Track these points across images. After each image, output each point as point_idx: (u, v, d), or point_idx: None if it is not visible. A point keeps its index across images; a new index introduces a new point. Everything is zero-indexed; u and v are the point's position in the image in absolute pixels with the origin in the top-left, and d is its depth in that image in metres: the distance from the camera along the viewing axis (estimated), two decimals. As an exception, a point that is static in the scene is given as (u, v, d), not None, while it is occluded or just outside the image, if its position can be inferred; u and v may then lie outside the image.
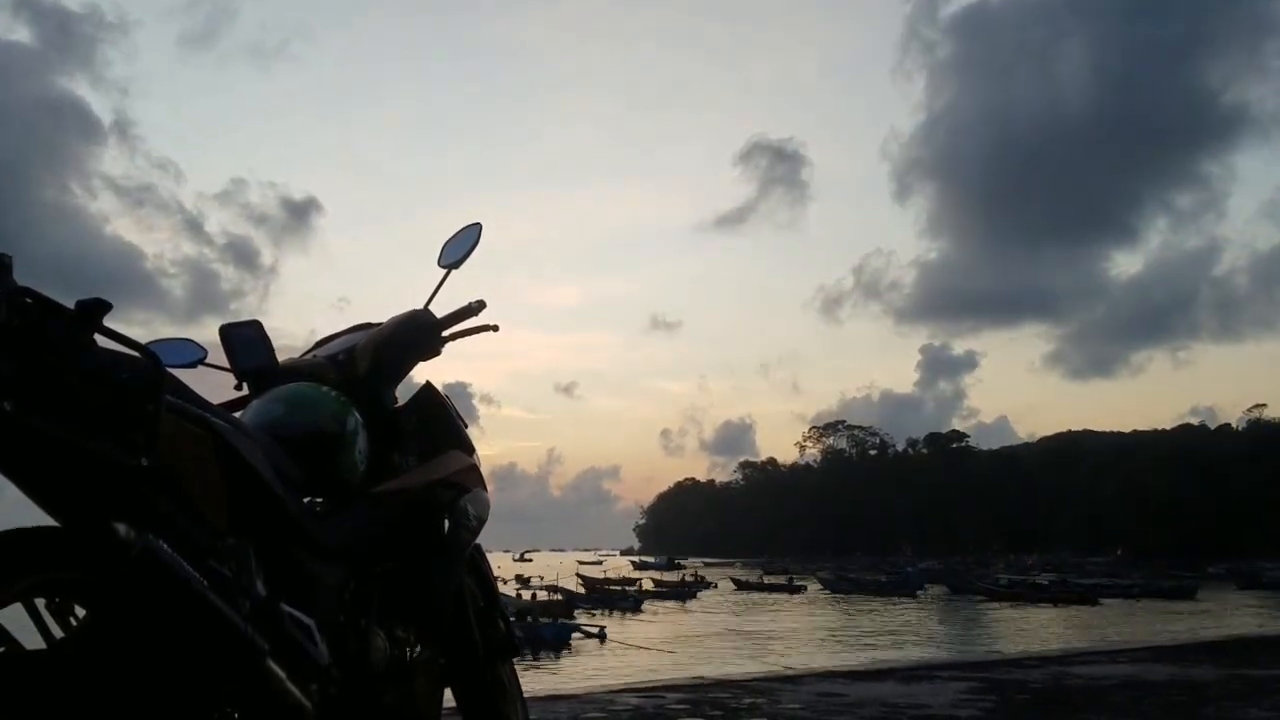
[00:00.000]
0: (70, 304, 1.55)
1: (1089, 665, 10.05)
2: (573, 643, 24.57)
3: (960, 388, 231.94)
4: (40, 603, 1.61)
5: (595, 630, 26.01)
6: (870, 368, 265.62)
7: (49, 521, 1.63)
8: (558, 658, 21.86)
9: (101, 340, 1.59)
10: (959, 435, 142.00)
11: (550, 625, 25.34)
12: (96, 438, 1.52)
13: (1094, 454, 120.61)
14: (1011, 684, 7.96)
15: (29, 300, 1.47)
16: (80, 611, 1.67)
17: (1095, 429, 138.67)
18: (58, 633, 1.64)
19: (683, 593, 48.20)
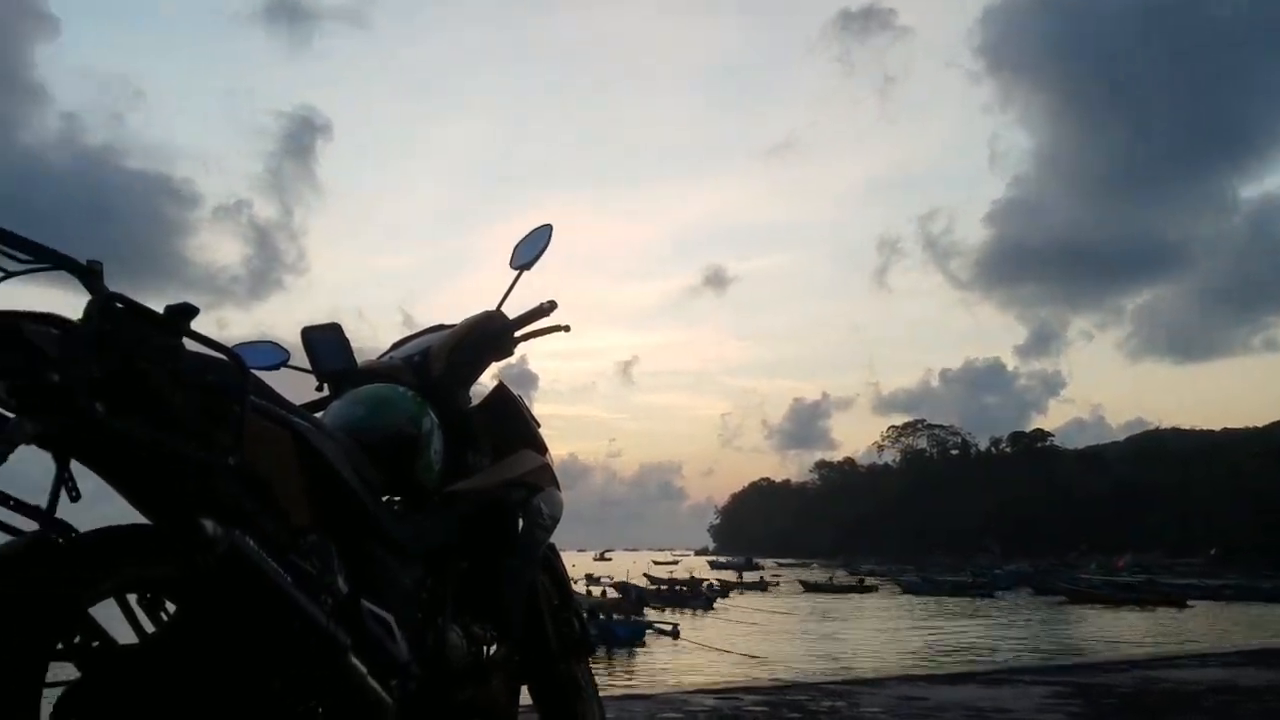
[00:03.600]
0: (159, 309, 1.60)
1: (1178, 669, 9.74)
2: (647, 639, 24.66)
3: (1046, 369, 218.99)
4: (132, 598, 1.67)
5: (669, 628, 26.03)
6: (950, 346, 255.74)
7: (141, 520, 1.69)
8: (631, 656, 21.87)
9: (189, 344, 1.64)
10: (1043, 434, 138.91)
11: (624, 623, 25.41)
12: (185, 438, 1.57)
13: (1182, 451, 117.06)
14: (1097, 688, 7.75)
15: (120, 306, 1.52)
16: (171, 607, 1.72)
17: (1183, 426, 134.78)
18: (149, 628, 1.70)
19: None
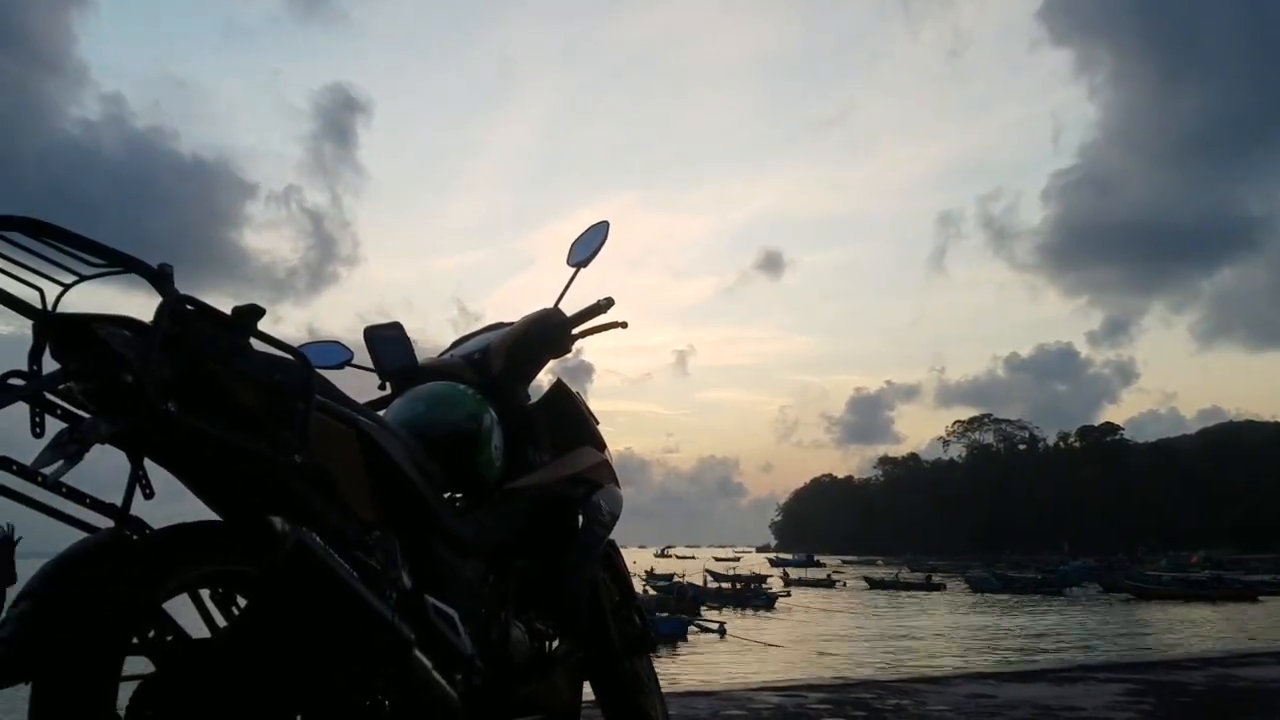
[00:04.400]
0: (227, 310, 1.64)
1: (1255, 667, 9.43)
2: (690, 637, 24.49)
3: (1120, 356, 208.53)
4: (205, 593, 1.71)
5: (714, 626, 25.79)
6: (1018, 334, 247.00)
7: (213, 516, 1.73)
8: (674, 651, 21.75)
9: (256, 344, 1.67)
10: (1112, 428, 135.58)
11: (666, 620, 25.25)
12: (253, 437, 1.61)
13: (1256, 444, 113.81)
14: (1170, 686, 7.55)
15: (190, 308, 1.56)
16: (242, 602, 1.76)
17: (1260, 417, 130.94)
18: (221, 622, 1.74)
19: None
